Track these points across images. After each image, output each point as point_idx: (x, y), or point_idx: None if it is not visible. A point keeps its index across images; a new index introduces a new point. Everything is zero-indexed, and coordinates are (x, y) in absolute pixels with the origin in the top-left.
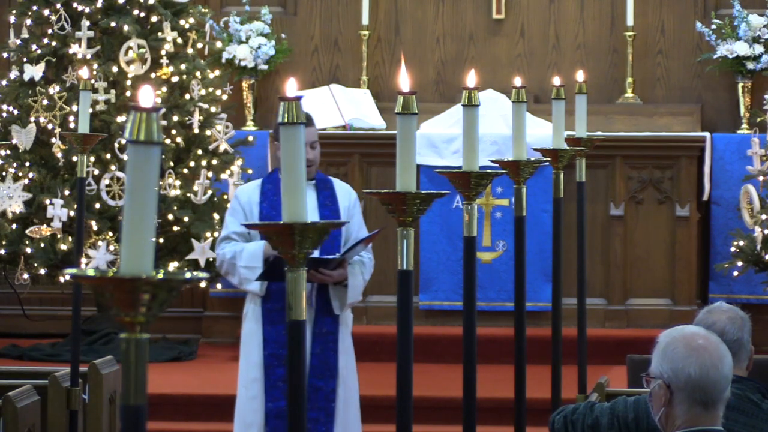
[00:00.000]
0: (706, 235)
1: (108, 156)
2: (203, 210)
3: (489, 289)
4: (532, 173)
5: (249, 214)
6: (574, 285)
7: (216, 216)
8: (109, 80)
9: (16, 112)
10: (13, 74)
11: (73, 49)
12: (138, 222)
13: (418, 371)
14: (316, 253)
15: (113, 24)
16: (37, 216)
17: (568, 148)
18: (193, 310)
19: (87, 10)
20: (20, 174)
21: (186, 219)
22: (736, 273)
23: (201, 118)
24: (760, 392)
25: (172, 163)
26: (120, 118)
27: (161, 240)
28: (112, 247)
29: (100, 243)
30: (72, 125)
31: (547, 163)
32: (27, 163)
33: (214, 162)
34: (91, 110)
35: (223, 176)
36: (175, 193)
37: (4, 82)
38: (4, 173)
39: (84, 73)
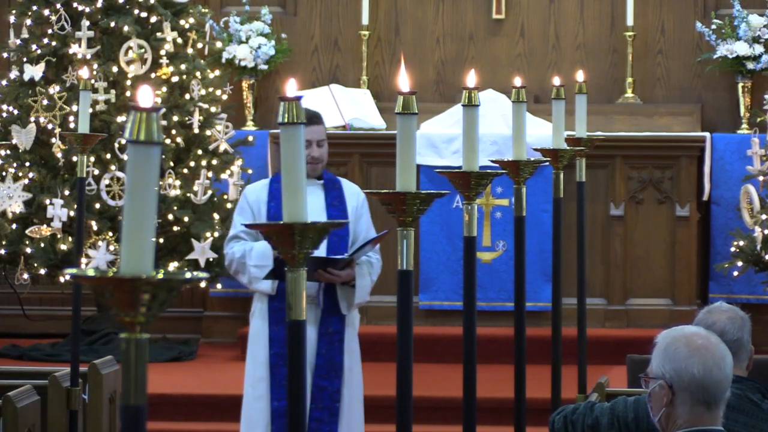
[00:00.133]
0: (706, 235)
1: (108, 156)
2: (203, 210)
3: (489, 289)
4: (532, 173)
5: (257, 212)
6: (574, 285)
7: (216, 216)
8: (109, 80)
9: (16, 112)
10: (13, 74)
11: (73, 49)
12: (138, 222)
13: (418, 371)
14: (324, 253)
15: (113, 24)
16: (37, 216)
17: (568, 148)
18: (193, 310)
19: (87, 10)
20: (20, 174)
21: (186, 219)
22: (736, 273)
23: (201, 118)
24: (760, 392)
25: (172, 163)
26: (120, 118)
27: (161, 240)
28: (112, 247)
29: (100, 243)
30: (72, 125)
31: (547, 163)
32: (27, 163)
33: (214, 162)
34: (91, 110)
35: (223, 176)
36: (175, 193)
37: (4, 82)
38: (4, 173)
39: (84, 73)
